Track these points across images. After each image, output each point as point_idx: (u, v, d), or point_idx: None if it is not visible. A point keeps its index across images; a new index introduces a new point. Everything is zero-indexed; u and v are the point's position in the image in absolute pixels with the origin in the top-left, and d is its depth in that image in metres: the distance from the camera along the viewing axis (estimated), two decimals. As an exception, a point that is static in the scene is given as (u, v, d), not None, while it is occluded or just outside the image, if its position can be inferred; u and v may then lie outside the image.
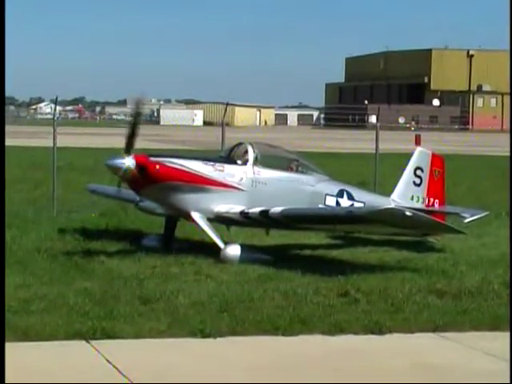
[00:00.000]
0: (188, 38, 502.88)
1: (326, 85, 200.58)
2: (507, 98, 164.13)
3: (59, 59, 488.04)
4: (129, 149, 17.48)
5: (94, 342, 11.55)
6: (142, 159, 17.63)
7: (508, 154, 49.67)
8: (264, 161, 18.75)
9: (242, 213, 18.01)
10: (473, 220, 20.98)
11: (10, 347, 11.24)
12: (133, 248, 18.47)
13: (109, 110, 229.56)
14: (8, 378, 10.12)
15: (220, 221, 18.29)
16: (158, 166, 17.68)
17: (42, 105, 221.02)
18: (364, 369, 10.94)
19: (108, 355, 11.00)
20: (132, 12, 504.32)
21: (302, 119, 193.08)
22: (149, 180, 17.65)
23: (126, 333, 11.97)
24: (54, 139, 25.71)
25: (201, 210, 17.94)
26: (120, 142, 18.08)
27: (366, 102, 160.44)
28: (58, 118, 27.97)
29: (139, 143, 17.95)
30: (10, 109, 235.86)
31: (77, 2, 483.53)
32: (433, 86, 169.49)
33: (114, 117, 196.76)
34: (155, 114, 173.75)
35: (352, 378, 10.53)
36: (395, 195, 21.03)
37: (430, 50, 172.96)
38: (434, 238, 20.25)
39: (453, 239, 19.82)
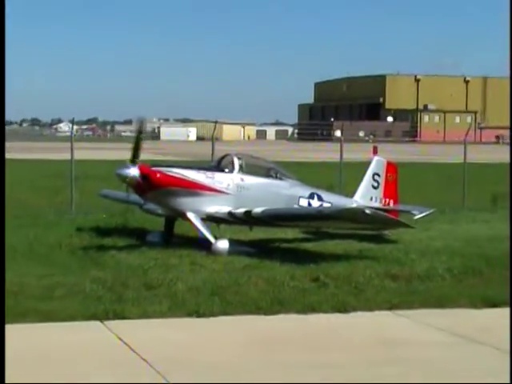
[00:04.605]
0: (184, 68, 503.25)
1: (299, 105, 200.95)
2: (448, 116, 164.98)
3: (75, 86, 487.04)
4: (134, 159, 17.43)
5: (106, 323, 11.49)
6: (145, 169, 17.58)
7: (449, 161, 50.00)
8: (247, 169, 18.73)
9: (230, 213, 17.98)
10: (421, 216, 21.03)
11: (35, 327, 11.23)
12: (138, 243, 18.41)
13: (117, 128, 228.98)
14: (34, 352, 10.06)
15: (211, 220, 18.25)
16: (158, 175, 17.63)
17: (61, 124, 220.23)
18: (332, 342, 10.92)
19: (119, 333, 10.95)
20: (134, 44, 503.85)
21: (278, 134, 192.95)
22: (151, 186, 17.60)
23: (134, 314, 11.90)
24: (72, 153, 25.66)
25: (195, 210, 17.89)
26: (127, 155, 18.00)
27: (332, 119, 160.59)
28: (74, 135, 27.84)
29: (143, 155, 17.90)
30: (34, 128, 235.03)
31: (85, 37, 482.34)
32: (387, 106, 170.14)
33: (122, 134, 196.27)
34: (156, 131, 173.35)
35: (323, 349, 10.51)
36: (357, 196, 21.05)
37: (385, 76, 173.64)
38: (388, 232, 20.28)
39: (405, 232, 19.85)
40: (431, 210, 21.47)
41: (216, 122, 33.65)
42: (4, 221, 18.35)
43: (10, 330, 10.81)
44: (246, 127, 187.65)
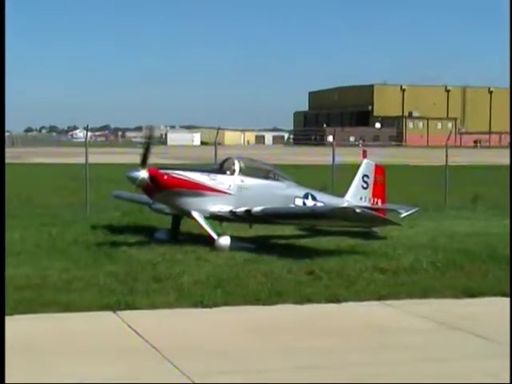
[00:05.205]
0: (189, 79, 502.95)
1: (294, 113, 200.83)
2: (431, 122, 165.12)
3: (90, 96, 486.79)
4: (144, 163, 17.44)
5: (119, 313, 11.49)
6: (154, 171, 17.57)
7: (431, 164, 49.92)
8: (247, 171, 18.73)
9: (231, 212, 17.97)
10: (407, 215, 21.04)
11: (55, 317, 11.23)
12: (147, 240, 18.39)
13: (128, 134, 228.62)
14: (55, 339, 10.06)
15: (214, 218, 18.24)
16: (166, 177, 17.63)
17: (76, 131, 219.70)
18: (326, 329, 10.93)
19: (130, 322, 10.96)
20: (144, 58, 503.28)
21: (276, 139, 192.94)
22: (159, 187, 17.59)
23: (144, 305, 11.91)
24: (86, 157, 25.65)
25: (199, 209, 17.88)
26: (136, 159, 17.99)
27: (325, 125, 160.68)
28: (89, 141, 27.84)
29: (152, 159, 17.89)
30: (52, 135, 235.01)
31: (100, 51, 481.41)
32: (375, 113, 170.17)
33: (133, 140, 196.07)
34: (163, 136, 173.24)
35: (317, 336, 10.52)
36: (348, 196, 21.05)
37: (373, 86, 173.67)
38: (377, 229, 20.28)
39: (392, 229, 19.84)
40: (415, 209, 21.50)
41: (218, 129, 33.59)
42: (4, 221, 18.31)
43: (34, 319, 10.84)
44: (246, 133, 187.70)
